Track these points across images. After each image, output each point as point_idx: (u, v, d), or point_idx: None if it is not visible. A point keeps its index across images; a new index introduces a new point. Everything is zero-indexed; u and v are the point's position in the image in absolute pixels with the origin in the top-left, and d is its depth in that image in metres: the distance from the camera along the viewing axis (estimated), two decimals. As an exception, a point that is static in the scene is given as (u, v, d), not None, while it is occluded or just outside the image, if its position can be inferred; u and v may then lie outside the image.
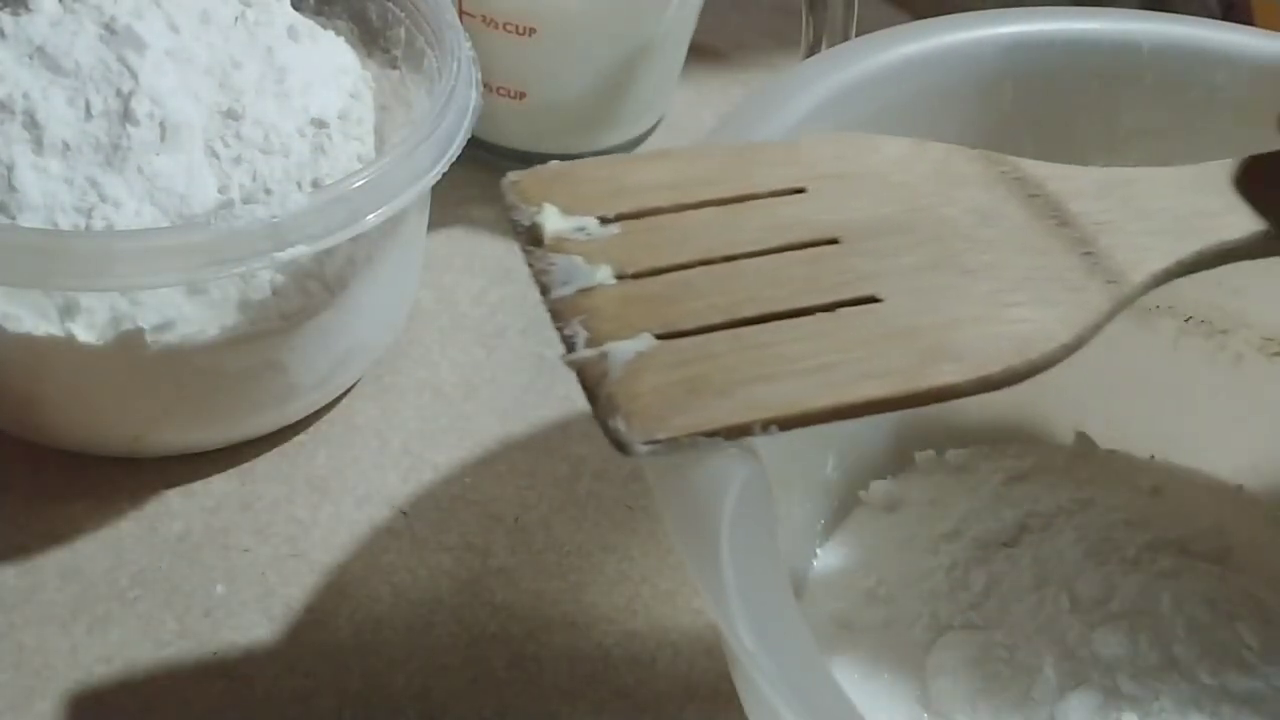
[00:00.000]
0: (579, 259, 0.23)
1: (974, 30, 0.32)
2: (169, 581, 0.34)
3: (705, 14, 0.48)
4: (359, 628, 0.33)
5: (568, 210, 0.24)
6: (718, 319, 0.22)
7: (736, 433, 0.21)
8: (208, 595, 0.34)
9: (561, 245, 0.23)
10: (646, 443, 0.20)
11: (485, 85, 0.38)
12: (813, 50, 0.44)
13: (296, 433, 0.38)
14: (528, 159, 0.46)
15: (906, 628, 0.31)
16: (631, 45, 0.46)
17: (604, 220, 0.24)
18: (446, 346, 0.41)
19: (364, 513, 0.36)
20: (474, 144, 0.36)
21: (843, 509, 0.35)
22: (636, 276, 0.23)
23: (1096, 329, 0.24)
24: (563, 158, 0.41)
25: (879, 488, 0.35)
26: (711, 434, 0.21)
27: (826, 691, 0.20)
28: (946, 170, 0.26)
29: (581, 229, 0.23)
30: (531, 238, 0.23)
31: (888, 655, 0.31)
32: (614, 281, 0.23)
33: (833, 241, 0.24)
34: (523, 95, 0.45)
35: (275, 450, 0.37)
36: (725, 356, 0.22)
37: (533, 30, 0.44)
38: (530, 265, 0.23)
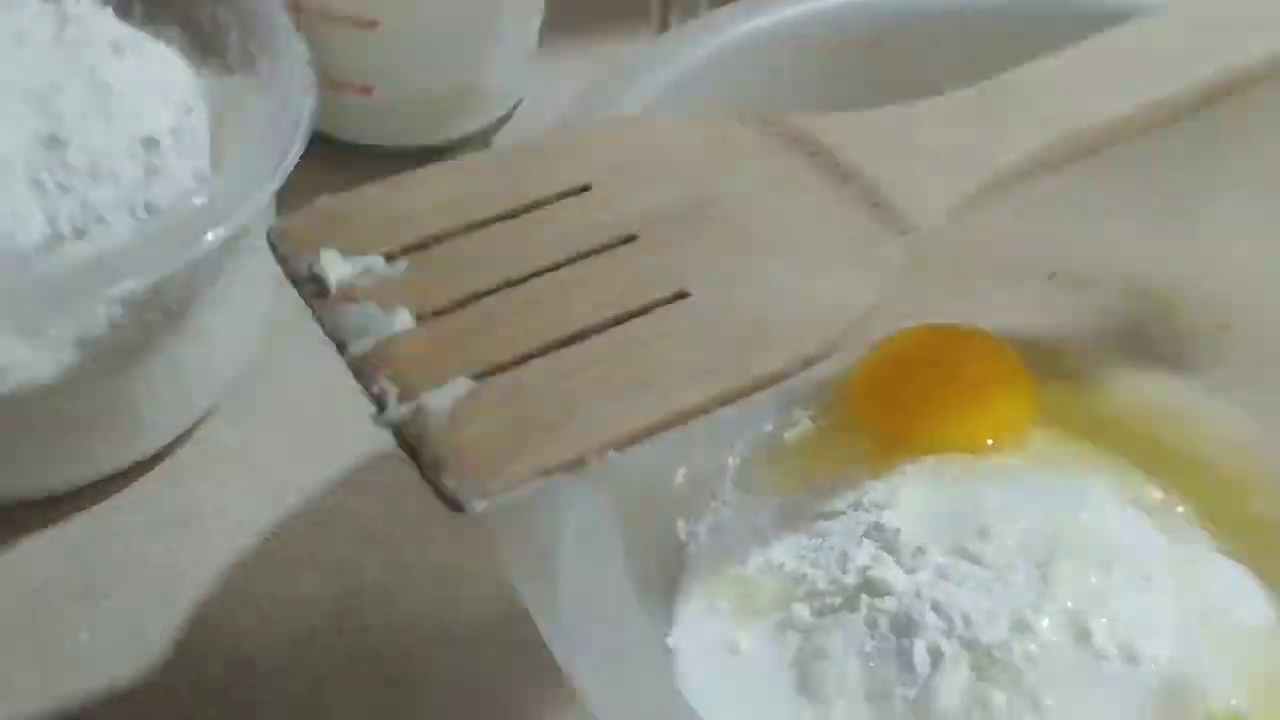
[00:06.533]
0: (372, 305, 0.21)
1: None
2: (30, 635, 0.33)
3: (557, -9, 0.47)
4: (230, 663, 0.33)
5: (348, 251, 0.22)
6: (530, 346, 0.21)
7: (572, 466, 0.20)
8: (74, 644, 0.33)
9: (351, 293, 0.22)
10: (482, 497, 0.19)
11: (330, 81, 0.37)
12: (664, 24, 0.43)
13: (155, 464, 0.36)
14: (381, 154, 0.46)
15: (785, 614, 0.31)
16: (478, 31, 0.44)
17: (389, 257, 0.22)
18: (308, 361, 0.40)
19: (231, 542, 0.35)
20: (324, 142, 0.35)
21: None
22: (437, 314, 0.22)
23: (898, 282, 0.24)
24: (417, 150, 0.40)
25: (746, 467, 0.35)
26: (548, 473, 0.20)
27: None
28: (724, 143, 0.26)
29: (368, 270, 0.22)
30: (316, 290, 0.22)
31: (764, 644, 0.31)
32: (414, 324, 0.21)
33: (631, 238, 0.24)
34: (369, 89, 0.44)
35: (135, 485, 0.36)
36: (546, 388, 0.21)
37: (374, 22, 0.42)
38: (319, 321, 0.22)
